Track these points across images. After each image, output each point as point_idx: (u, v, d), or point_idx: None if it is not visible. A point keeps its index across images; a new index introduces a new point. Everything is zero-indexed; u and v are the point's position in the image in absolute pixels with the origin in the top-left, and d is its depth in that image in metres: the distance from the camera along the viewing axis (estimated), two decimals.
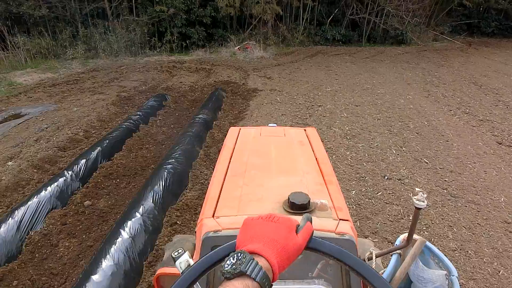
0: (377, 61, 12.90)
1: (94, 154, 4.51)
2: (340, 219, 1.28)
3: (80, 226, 3.52)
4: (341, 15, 16.71)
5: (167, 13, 13.29)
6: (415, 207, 1.11)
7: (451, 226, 3.46)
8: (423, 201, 1.09)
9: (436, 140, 5.46)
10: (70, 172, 4.08)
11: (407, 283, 1.35)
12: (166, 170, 3.87)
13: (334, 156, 4.80)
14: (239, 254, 0.65)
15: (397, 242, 1.35)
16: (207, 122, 5.78)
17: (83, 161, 4.31)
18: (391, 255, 1.33)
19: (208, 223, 1.26)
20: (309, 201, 1.30)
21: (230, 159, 1.84)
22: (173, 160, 4.14)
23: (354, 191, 3.98)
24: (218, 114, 6.58)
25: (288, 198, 1.32)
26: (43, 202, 3.65)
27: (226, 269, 0.63)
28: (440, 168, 4.58)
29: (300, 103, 7.41)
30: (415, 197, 1.10)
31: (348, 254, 0.74)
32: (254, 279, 0.61)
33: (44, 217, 3.56)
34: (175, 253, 0.82)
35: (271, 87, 8.83)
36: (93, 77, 10.32)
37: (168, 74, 10.59)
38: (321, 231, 1.16)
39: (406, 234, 1.29)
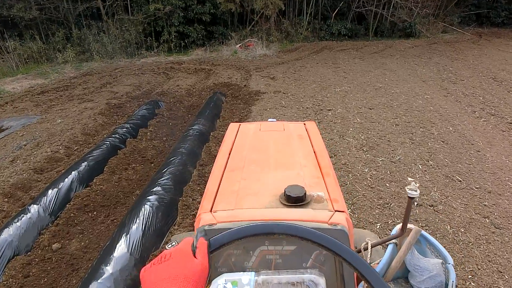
0: (387, 56, 12.13)
1: (68, 180, 3.85)
2: (335, 211, 1.27)
3: (45, 279, 2.87)
4: (346, 8, 15.92)
5: (163, 11, 12.59)
6: (408, 196, 1.14)
7: (501, 272, 2.76)
8: (416, 191, 1.12)
9: (466, 151, 4.74)
10: (37, 206, 3.43)
11: (404, 272, 1.34)
12: (148, 203, 3.19)
13: (350, 175, 4.09)
14: None
15: (393, 232, 1.35)
16: (203, 134, 5.10)
17: (55, 190, 3.66)
18: (387, 245, 1.33)
19: (205, 217, 1.28)
20: (305, 193, 1.30)
21: (229, 154, 1.84)
22: (159, 188, 3.45)
23: (379, 224, 3.28)
24: (216, 123, 5.89)
25: (284, 191, 1.32)
26: (4, 247, 3.02)
27: None
28: (477, 187, 3.86)
29: (307, 107, 6.71)
30: (408, 186, 1.13)
31: (242, 228, 0.77)
32: None
33: (4, 268, 2.94)
34: (169, 246, 0.80)
35: (275, 89, 8.12)
36: (85, 82, 9.69)
37: (165, 77, 9.92)
38: (314, 222, 1.18)
39: (401, 224, 1.30)
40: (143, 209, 3.11)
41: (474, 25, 17.61)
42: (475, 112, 6.34)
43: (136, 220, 2.97)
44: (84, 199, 3.72)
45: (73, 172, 4.00)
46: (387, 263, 1.27)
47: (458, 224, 3.25)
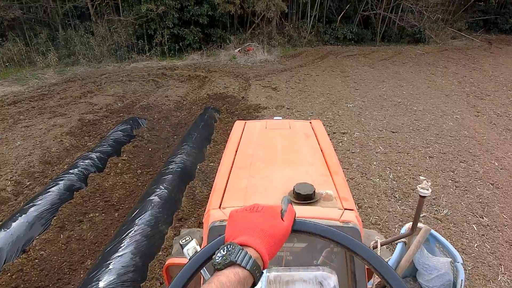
0: (398, 63, 11.12)
1: None
2: (345, 209, 1.25)
3: None
4: (352, 11, 14.90)
5: (156, 12, 11.50)
6: (420, 195, 1.12)
7: None
8: (427, 189, 1.09)
9: None
10: None
11: (412, 271, 1.33)
12: None
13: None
14: (228, 246, 0.66)
15: (402, 231, 1.33)
16: (186, 169, 4.00)
17: None
18: (396, 244, 1.33)
19: (214, 214, 1.26)
20: (314, 191, 1.28)
21: (236, 151, 1.82)
22: (110, 276, 2.36)
23: None
24: (205, 151, 4.79)
25: (294, 189, 1.30)
26: None
27: (217, 260, 0.64)
28: None
29: None
30: (419, 185, 1.10)
31: (334, 230, 0.75)
32: (244, 268, 0.62)
33: None
34: (183, 241, 0.84)
35: (278, 103, 7.06)
36: (64, 90, 8.60)
37: (154, 85, 8.84)
38: (326, 220, 1.15)
39: (411, 223, 1.29)
40: None
41: (481, 31, 17.09)
42: None
43: None
44: (13, 276, 2.63)
45: (5, 232, 2.91)
46: (396, 262, 1.26)
47: None
